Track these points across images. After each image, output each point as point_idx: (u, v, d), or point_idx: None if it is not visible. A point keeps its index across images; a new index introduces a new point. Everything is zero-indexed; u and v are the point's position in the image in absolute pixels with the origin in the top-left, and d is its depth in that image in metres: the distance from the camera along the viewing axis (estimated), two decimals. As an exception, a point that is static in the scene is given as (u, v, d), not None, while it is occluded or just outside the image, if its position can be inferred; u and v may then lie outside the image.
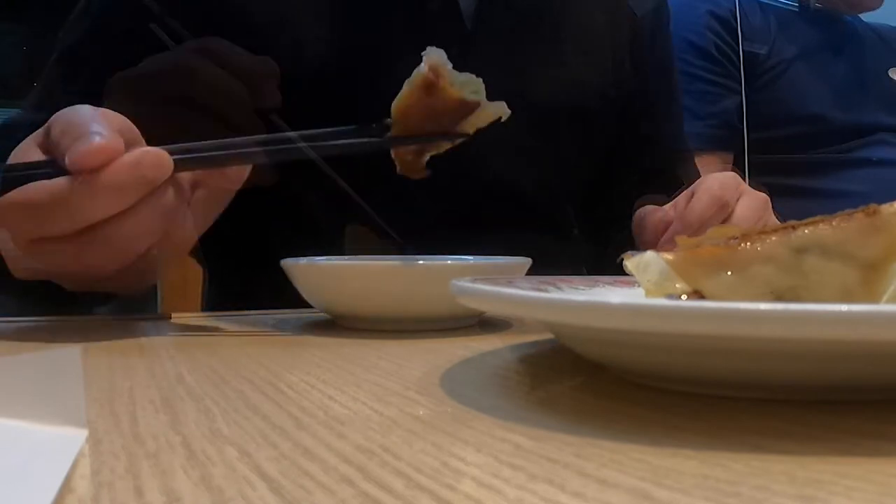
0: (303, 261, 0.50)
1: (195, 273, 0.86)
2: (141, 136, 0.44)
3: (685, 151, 0.91)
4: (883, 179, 1.37)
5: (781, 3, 1.53)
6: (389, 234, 0.67)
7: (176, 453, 0.22)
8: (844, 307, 0.21)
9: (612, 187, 0.83)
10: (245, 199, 0.70)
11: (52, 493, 0.18)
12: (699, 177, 0.90)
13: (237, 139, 0.44)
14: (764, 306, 0.22)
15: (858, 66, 1.49)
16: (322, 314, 0.53)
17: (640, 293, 0.33)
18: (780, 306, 0.22)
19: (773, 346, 0.23)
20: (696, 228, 0.58)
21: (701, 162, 0.97)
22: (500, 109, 0.46)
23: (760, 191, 0.65)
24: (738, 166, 1.41)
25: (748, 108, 1.41)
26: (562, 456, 0.21)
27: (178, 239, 0.42)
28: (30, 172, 0.39)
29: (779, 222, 0.44)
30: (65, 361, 0.23)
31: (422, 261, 0.51)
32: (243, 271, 0.74)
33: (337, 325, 0.50)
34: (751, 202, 0.62)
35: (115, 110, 0.42)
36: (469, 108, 0.45)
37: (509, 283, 0.34)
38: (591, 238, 0.82)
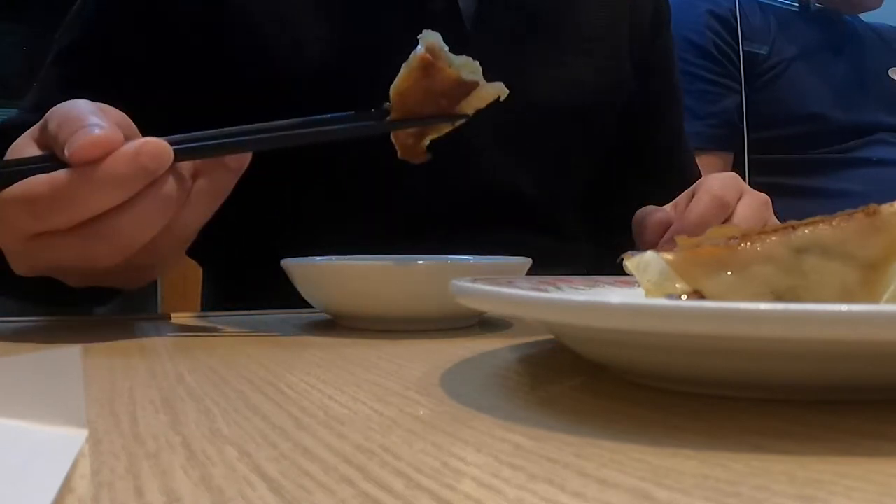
0: (303, 261, 0.50)
1: (195, 273, 0.86)
2: (138, 131, 0.44)
3: (686, 151, 0.91)
4: (883, 179, 1.37)
5: (781, 2, 1.53)
6: (389, 234, 0.67)
7: (176, 453, 0.22)
8: (844, 307, 0.21)
9: (614, 187, 0.83)
10: (245, 198, 0.71)
11: (52, 493, 0.18)
12: (701, 176, 0.90)
13: (236, 128, 0.44)
14: (764, 306, 0.22)
15: (858, 65, 1.49)
16: (322, 314, 0.53)
17: (640, 293, 0.33)
18: (780, 306, 0.22)
19: (773, 346, 0.23)
20: (697, 229, 0.58)
21: (701, 161, 0.97)
22: (499, 89, 0.46)
23: (760, 191, 0.65)
24: (737, 166, 1.41)
25: (748, 108, 1.41)
26: (562, 456, 0.21)
27: (180, 230, 0.41)
28: (28, 167, 0.39)
29: (779, 222, 0.44)
30: (65, 361, 0.23)
31: (422, 261, 0.51)
32: (243, 271, 0.74)
33: (337, 325, 0.50)
34: (751, 202, 0.62)
35: None
36: (467, 88, 0.45)
37: (509, 283, 0.34)
38: (592, 238, 0.82)
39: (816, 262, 0.28)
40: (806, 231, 0.29)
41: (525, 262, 0.49)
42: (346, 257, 0.51)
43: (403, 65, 0.44)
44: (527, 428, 0.24)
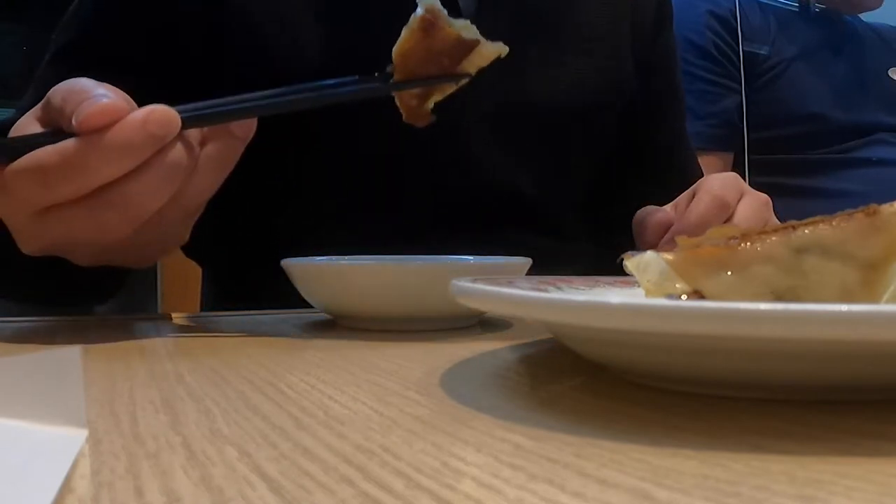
0: (303, 261, 0.50)
1: (195, 273, 0.86)
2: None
3: (688, 150, 0.91)
4: (883, 179, 1.37)
5: (781, 2, 1.53)
6: (389, 234, 0.67)
7: (176, 453, 0.22)
8: (844, 307, 0.21)
9: (614, 187, 0.83)
10: (245, 198, 0.71)
11: (52, 493, 0.18)
12: (702, 175, 0.90)
13: (242, 96, 0.44)
14: (764, 306, 0.22)
15: (858, 65, 1.49)
16: (322, 314, 0.53)
17: (640, 293, 0.33)
18: (780, 306, 0.22)
19: (773, 346, 0.23)
20: (697, 229, 0.58)
21: (701, 162, 0.97)
22: (500, 48, 0.46)
23: (760, 191, 0.65)
24: (737, 166, 1.41)
25: (748, 108, 1.41)
26: (562, 456, 0.21)
27: (187, 200, 0.41)
28: (35, 141, 0.39)
29: (779, 223, 0.44)
30: (65, 361, 0.23)
31: (422, 261, 0.51)
32: (243, 271, 0.74)
33: (337, 325, 0.50)
34: (752, 203, 0.62)
35: None
36: (468, 46, 0.45)
37: (509, 283, 0.34)
38: (592, 238, 0.82)
39: (816, 262, 0.28)
40: (806, 231, 0.29)
41: (525, 262, 0.49)
42: (346, 257, 0.51)
43: (404, 27, 0.45)
44: (527, 428, 0.24)
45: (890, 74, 1.51)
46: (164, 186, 0.39)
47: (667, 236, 0.62)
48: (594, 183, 0.81)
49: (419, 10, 0.44)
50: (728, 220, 0.60)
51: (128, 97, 0.41)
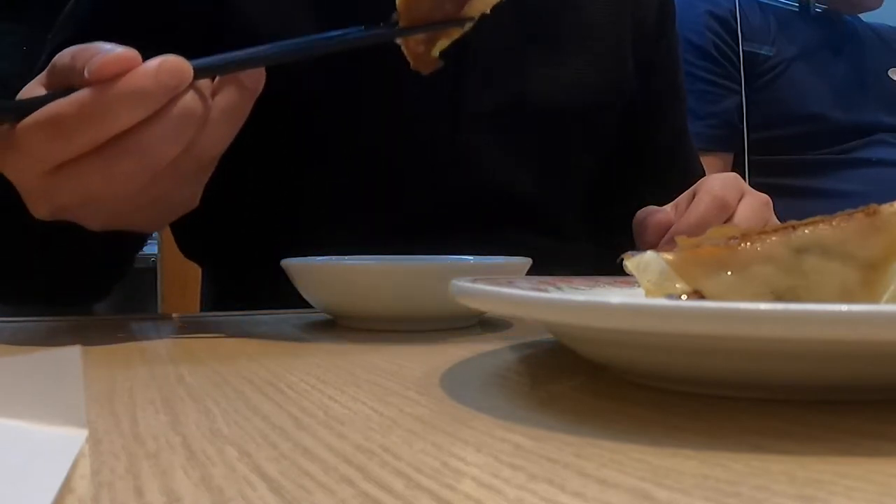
0: (303, 261, 0.50)
1: (195, 273, 0.86)
2: None
3: (690, 150, 0.91)
4: (883, 180, 1.37)
5: (781, 2, 1.53)
6: (389, 233, 0.67)
7: (176, 453, 0.22)
8: (844, 307, 0.21)
9: (615, 187, 0.83)
10: (245, 198, 0.71)
11: (52, 493, 0.18)
12: (704, 174, 0.90)
13: (250, 49, 0.44)
14: (764, 306, 0.22)
15: (858, 66, 1.49)
16: (322, 314, 0.53)
17: (640, 293, 0.33)
18: (780, 306, 0.22)
19: (773, 346, 0.23)
20: (697, 229, 0.58)
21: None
22: None
23: (760, 191, 0.65)
24: (738, 166, 1.41)
25: (748, 109, 1.41)
26: (562, 456, 0.21)
27: (201, 151, 0.41)
28: (42, 102, 0.39)
29: (779, 223, 0.44)
30: (65, 361, 0.23)
31: (422, 261, 0.51)
32: (243, 271, 0.74)
33: (337, 325, 0.50)
34: (752, 203, 0.62)
35: None
36: None
37: (509, 283, 0.34)
38: (592, 238, 0.82)
39: (816, 262, 0.28)
40: (806, 231, 0.29)
41: (525, 262, 0.49)
42: (346, 257, 0.51)
43: None
44: (527, 428, 0.24)
45: (890, 75, 1.51)
46: (178, 134, 0.39)
47: (667, 236, 0.62)
48: (594, 183, 0.81)
49: None
50: (728, 220, 0.60)
51: (137, 52, 0.41)
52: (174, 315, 0.58)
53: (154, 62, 0.38)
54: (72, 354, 0.23)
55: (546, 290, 0.34)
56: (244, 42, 0.62)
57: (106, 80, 0.37)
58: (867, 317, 0.21)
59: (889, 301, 0.28)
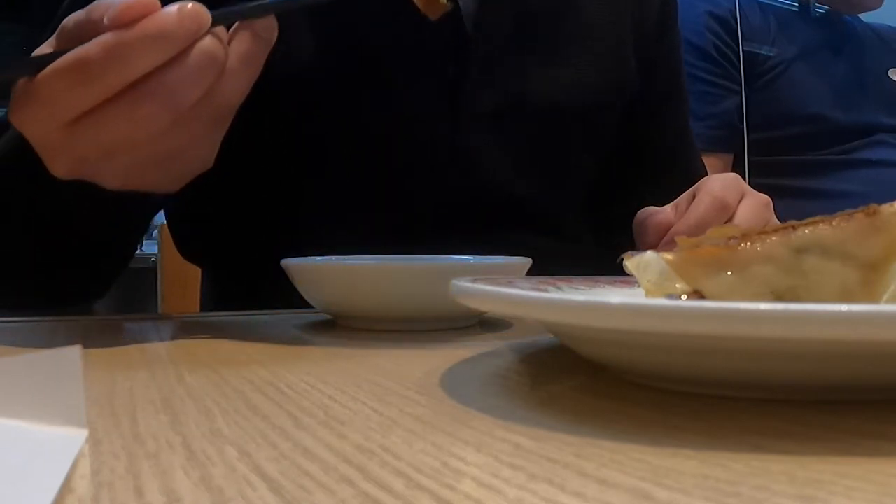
0: (303, 261, 0.50)
1: (195, 273, 0.86)
2: None
3: (691, 149, 0.91)
4: (883, 180, 1.37)
5: (781, 2, 1.53)
6: (389, 233, 0.67)
7: (176, 453, 0.22)
8: (844, 307, 0.21)
9: (615, 187, 0.83)
10: (245, 198, 0.71)
11: (52, 493, 0.18)
12: (706, 174, 0.90)
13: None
14: (764, 306, 0.22)
15: (858, 66, 1.49)
16: (322, 314, 0.53)
17: (640, 293, 0.33)
18: (780, 306, 0.22)
19: (773, 346, 0.23)
20: (697, 230, 0.58)
21: (700, 163, 0.97)
22: None
23: (761, 192, 0.64)
24: (738, 167, 1.41)
25: (748, 109, 1.41)
26: (562, 456, 0.21)
27: (221, 97, 0.42)
28: (58, 57, 0.39)
29: (780, 223, 0.44)
30: (65, 361, 0.23)
31: (422, 261, 0.51)
32: (243, 272, 0.74)
33: (337, 325, 0.50)
34: (753, 203, 0.62)
35: None
36: None
37: (509, 283, 0.34)
38: (593, 238, 0.82)
39: (816, 262, 0.28)
40: (806, 231, 0.29)
41: (525, 262, 0.49)
42: (346, 257, 0.51)
43: None
44: (527, 428, 0.24)
45: (890, 75, 1.51)
46: (200, 76, 0.39)
47: (666, 237, 0.62)
48: (595, 183, 0.81)
49: None
50: (728, 221, 0.60)
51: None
52: (174, 315, 0.58)
53: (173, 7, 0.39)
54: (72, 354, 0.23)
55: (546, 290, 0.34)
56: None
57: (127, 24, 0.38)
58: (867, 317, 0.21)
59: (889, 301, 0.28)
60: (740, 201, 0.62)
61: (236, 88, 0.42)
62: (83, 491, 0.19)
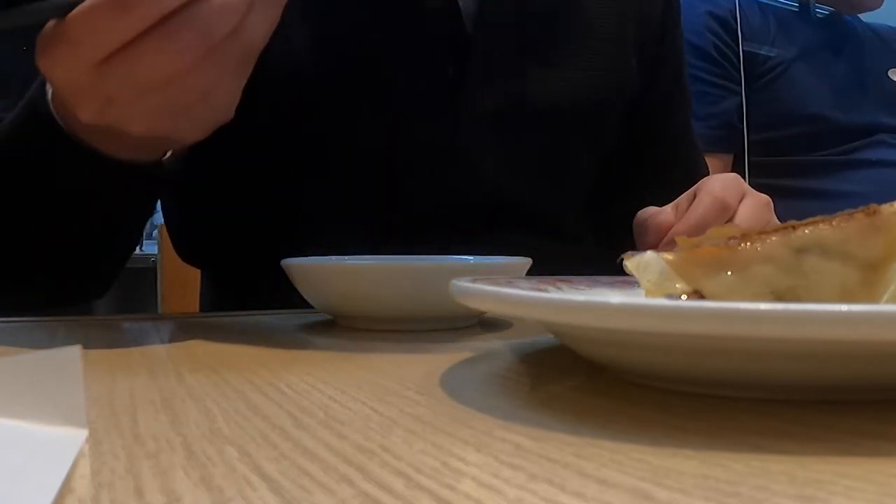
0: (303, 261, 0.50)
1: (195, 273, 0.86)
2: None
3: (693, 149, 0.91)
4: (883, 180, 1.37)
5: (781, 2, 1.53)
6: (390, 234, 0.67)
7: (176, 453, 0.22)
8: (844, 307, 0.21)
9: (616, 187, 0.83)
10: (246, 199, 0.71)
11: (52, 493, 0.18)
12: (708, 172, 0.90)
13: None
14: (764, 306, 0.22)
15: (858, 66, 1.49)
16: (322, 314, 0.53)
17: (640, 293, 0.33)
18: (780, 306, 0.22)
19: (773, 346, 0.23)
20: (697, 230, 0.58)
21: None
22: None
23: (761, 192, 0.64)
24: (738, 167, 1.41)
25: (748, 109, 1.41)
26: (562, 456, 0.21)
27: (248, 34, 0.42)
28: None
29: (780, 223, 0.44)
30: (65, 361, 0.23)
31: (422, 261, 0.51)
32: (243, 273, 0.74)
33: (337, 325, 0.50)
34: (753, 204, 0.62)
35: None
36: None
37: (509, 283, 0.34)
38: (593, 238, 0.82)
39: (816, 262, 0.28)
40: (806, 231, 0.29)
41: (525, 262, 0.49)
42: (346, 257, 0.51)
43: None
44: (527, 428, 0.24)
45: (890, 75, 1.51)
46: (232, 7, 0.40)
47: (667, 238, 0.62)
48: (595, 183, 0.81)
49: None
50: (729, 221, 0.60)
51: None
52: (174, 315, 0.58)
53: None
54: (72, 354, 0.23)
55: (546, 290, 0.34)
56: None
57: None
58: (867, 317, 0.21)
59: (889, 301, 0.28)
60: (741, 201, 0.62)
61: (262, 26, 0.42)
62: (83, 491, 0.19)
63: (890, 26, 1.62)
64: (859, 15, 1.57)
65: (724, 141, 1.41)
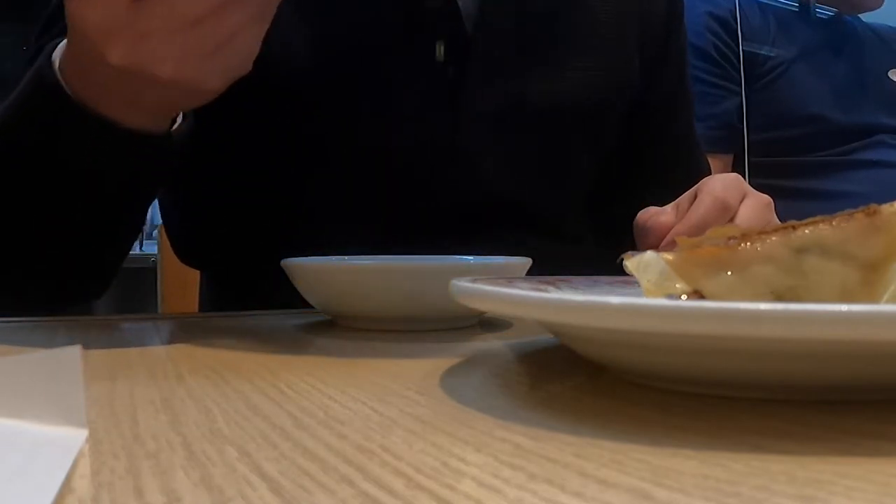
0: (303, 261, 0.50)
1: (194, 273, 0.86)
2: None
3: (695, 148, 0.91)
4: (883, 181, 1.37)
5: (781, 3, 1.53)
6: (390, 234, 0.67)
7: (176, 453, 0.22)
8: (844, 307, 0.21)
9: (616, 187, 0.83)
10: (246, 199, 0.71)
11: (52, 493, 0.18)
12: (710, 171, 0.90)
13: None
14: (764, 306, 0.22)
15: (858, 66, 1.49)
16: (322, 314, 0.53)
17: (640, 293, 0.33)
18: (780, 306, 0.22)
19: (773, 346, 0.23)
20: (698, 231, 0.58)
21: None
22: None
23: (761, 192, 0.64)
24: (738, 168, 1.41)
25: (748, 109, 1.41)
26: (562, 456, 0.21)
27: None
28: None
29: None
30: (65, 361, 0.23)
31: (422, 261, 0.51)
32: (241, 273, 0.74)
33: (337, 325, 0.50)
34: (754, 204, 0.62)
35: None
36: None
37: (509, 283, 0.34)
38: (594, 238, 0.82)
39: (816, 262, 0.28)
40: (806, 231, 0.29)
41: (525, 262, 0.49)
42: (346, 257, 0.51)
43: None
44: (527, 428, 0.24)
45: (890, 76, 1.51)
46: None
47: (667, 238, 0.62)
48: (595, 183, 0.81)
49: None
50: (730, 221, 0.60)
51: None
52: (174, 315, 0.58)
53: None
54: (72, 354, 0.23)
55: (546, 290, 0.34)
56: None
57: None
58: (867, 317, 0.21)
59: (889, 301, 0.28)
60: (742, 202, 0.62)
61: None
62: (83, 491, 0.19)
63: (890, 26, 1.62)
64: (859, 15, 1.57)
65: (724, 141, 1.41)
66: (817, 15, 1.53)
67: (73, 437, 0.22)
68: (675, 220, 0.62)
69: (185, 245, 0.77)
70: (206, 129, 0.57)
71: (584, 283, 0.40)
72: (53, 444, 0.22)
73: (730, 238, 0.30)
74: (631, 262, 0.33)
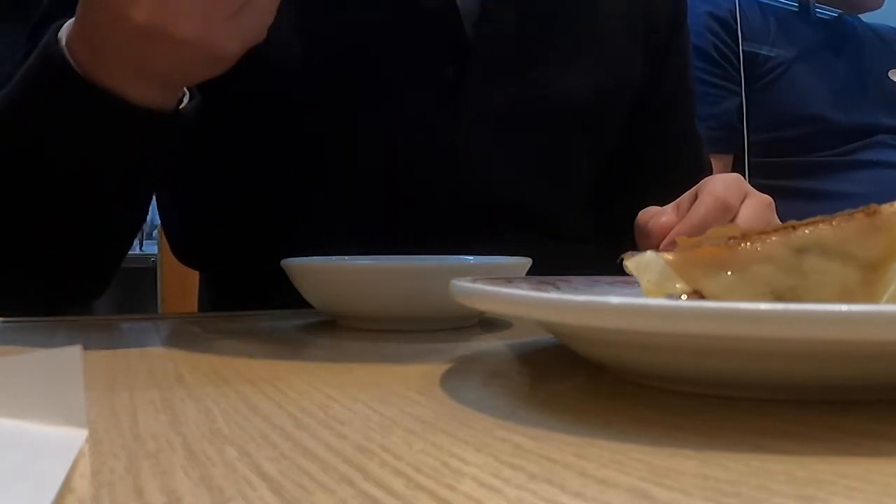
0: (303, 261, 0.50)
1: (194, 273, 0.86)
2: None
3: (698, 146, 0.91)
4: (883, 181, 1.37)
5: (781, 3, 1.53)
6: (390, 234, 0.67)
7: (176, 453, 0.22)
8: (844, 307, 0.21)
9: (617, 187, 0.83)
10: (246, 199, 0.71)
11: (52, 493, 0.18)
12: (711, 171, 0.90)
13: None
14: (764, 306, 0.22)
15: (858, 67, 1.49)
16: (322, 314, 0.53)
17: (640, 293, 0.33)
18: (780, 306, 0.22)
19: (773, 346, 0.23)
20: (699, 231, 0.58)
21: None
22: None
23: (761, 192, 0.64)
24: (738, 168, 1.41)
25: (748, 110, 1.41)
26: (562, 456, 0.21)
27: None
28: None
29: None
30: (65, 361, 0.23)
31: (422, 261, 0.51)
32: (241, 274, 0.74)
33: (337, 325, 0.50)
34: (755, 204, 0.62)
35: None
36: None
37: (509, 283, 0.34)
38: (594, 238, 0.81)
39: (816, 262, 0.28)
40: (806, 231, 0.29)
41: (525, 262, 0.49)
42: (347, 257, 0.51)
43: None
44: (527, 428, 0.24)
45: (890, 76, 1.51)
46: None
47: (668, 238, 0.62)
48: (596, 183, 0.80)
49: None
50: (731, 221, 0.60)
51: None
52: (174, 315, 0.58)
53: None
54: (72, 354, 0.23)
55: (546, 290, 0.34)
56: None
57: None
58: (867, 317, 0.21)
59: (889, 301, 0.28)
60: (742, 202, 0.62)
61: None
62: (83, 491, 0.19)
63: (890, 26, 1.62)
64: (860, 15, 1.57)
65: (724, 142, 1.41)
66: (817, 15, 1.53)
67: (73, 437, 0.22)
68: (676, 221, 0.62)
69: (184, 246, 0.77)
70: (206, 128, 0.57)
71: (584, 283, 0.40)
72: (53, 444, 0.22)
73: (730, 238, 0.30)
74: (631, 262, 0.33)
